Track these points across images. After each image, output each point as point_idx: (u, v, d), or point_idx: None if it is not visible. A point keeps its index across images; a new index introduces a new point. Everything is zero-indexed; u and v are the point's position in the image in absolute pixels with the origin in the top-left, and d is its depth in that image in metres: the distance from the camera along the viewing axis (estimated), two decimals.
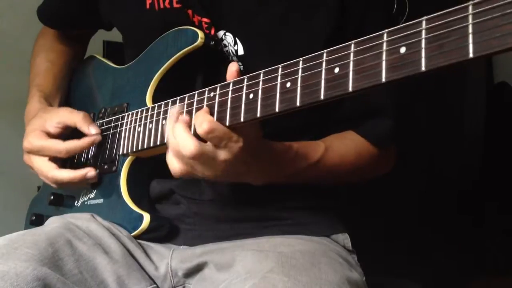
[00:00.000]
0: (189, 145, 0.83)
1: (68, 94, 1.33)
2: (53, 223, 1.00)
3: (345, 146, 1.05)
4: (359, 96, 1.00)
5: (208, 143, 0.84)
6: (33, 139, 1.08)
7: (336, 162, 1.02)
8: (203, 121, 0.83)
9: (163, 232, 1.04)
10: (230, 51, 1.02)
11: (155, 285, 1.00)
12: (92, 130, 1.08)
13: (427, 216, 2.26)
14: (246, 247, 0.97)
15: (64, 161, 1.12)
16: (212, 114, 0.84)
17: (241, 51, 1.02)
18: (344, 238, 1.08)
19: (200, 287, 0.97)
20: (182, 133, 0.85)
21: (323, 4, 0.99)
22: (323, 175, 1.03)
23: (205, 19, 1.02)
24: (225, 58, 1.03)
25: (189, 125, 0.87)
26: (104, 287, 0.94)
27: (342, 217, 1.12)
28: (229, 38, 1.02)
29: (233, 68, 0.85)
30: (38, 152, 1.08)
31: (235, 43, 1.02)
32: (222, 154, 0.84)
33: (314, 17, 0.99)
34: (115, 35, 1.35)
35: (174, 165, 0.89)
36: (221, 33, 1.03)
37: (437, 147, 2.24)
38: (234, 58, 1.02)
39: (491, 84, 2.73)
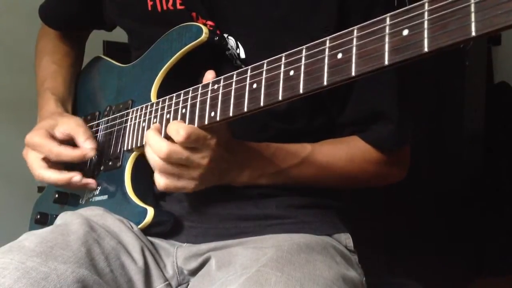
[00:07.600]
0: (162, 147, 0.89)
1: (75, 95, 1.33)
2: (73, 220, 0.99)
3: (337, 149, 1.05)
4: (361, 100, 1.03)
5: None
6: (35, 135, 1.09)
7: (323, 165, 1.03)
8: (179, 128, 0.87)
9: (167, 227, 1.04)
10: (233, 54, 1.02)
11: (168, 282, 1.00)
12: (86, 145, 1.08)
13: (428, 216, 2.26)
14: (248, 245, 0.97)
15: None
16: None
17: (242, 55, 1.02)
18: (346, 238, 1.08)
19: (199, 284, 0.97)
20: (154, 137, 0.92)
21: (323, 8, 0.99)
22: (308, 177, 1.03)
23: (209, 22, 1.03)
24: (229, 60, 1.03)
25: (160, 131, 0.94)
26: (132, 285, 0.95)
27: (344, 217, 1.12)
28: (231, 42, 1.02)
29: (209, 76, 0.91)
30: (34, 148, 1.09)
31: (237, 46, 1.02)
32: (203, 153, 0.89)
33: (314, 21, 0.99)
34: (115, 35, 1.36)
35: (158, 179, 0.94)
36: (224, 36, 1.04)
37: (437, 147, 2.24)
38: (238, 62, 1.03)
39: (491, 84, 2.74)
